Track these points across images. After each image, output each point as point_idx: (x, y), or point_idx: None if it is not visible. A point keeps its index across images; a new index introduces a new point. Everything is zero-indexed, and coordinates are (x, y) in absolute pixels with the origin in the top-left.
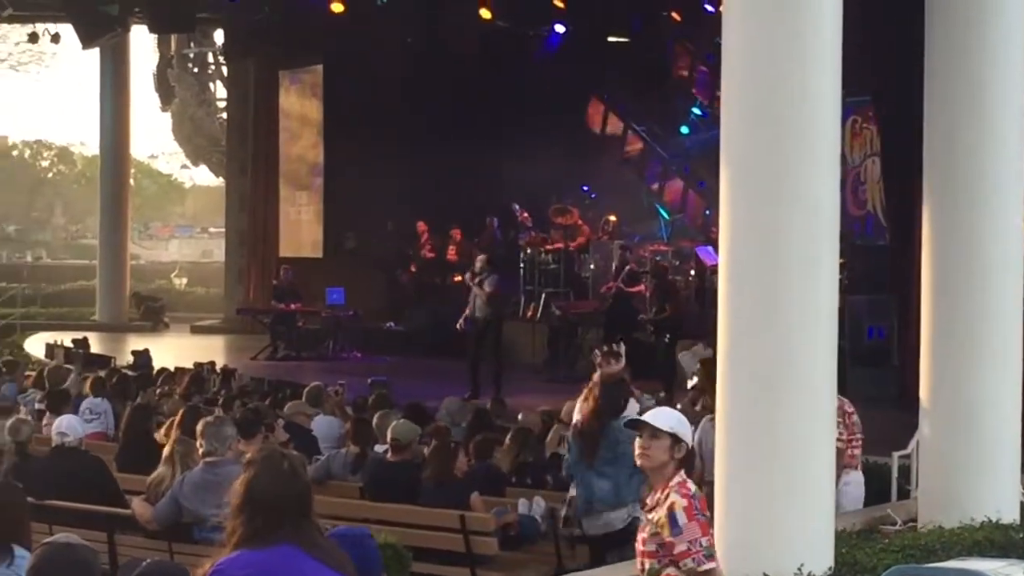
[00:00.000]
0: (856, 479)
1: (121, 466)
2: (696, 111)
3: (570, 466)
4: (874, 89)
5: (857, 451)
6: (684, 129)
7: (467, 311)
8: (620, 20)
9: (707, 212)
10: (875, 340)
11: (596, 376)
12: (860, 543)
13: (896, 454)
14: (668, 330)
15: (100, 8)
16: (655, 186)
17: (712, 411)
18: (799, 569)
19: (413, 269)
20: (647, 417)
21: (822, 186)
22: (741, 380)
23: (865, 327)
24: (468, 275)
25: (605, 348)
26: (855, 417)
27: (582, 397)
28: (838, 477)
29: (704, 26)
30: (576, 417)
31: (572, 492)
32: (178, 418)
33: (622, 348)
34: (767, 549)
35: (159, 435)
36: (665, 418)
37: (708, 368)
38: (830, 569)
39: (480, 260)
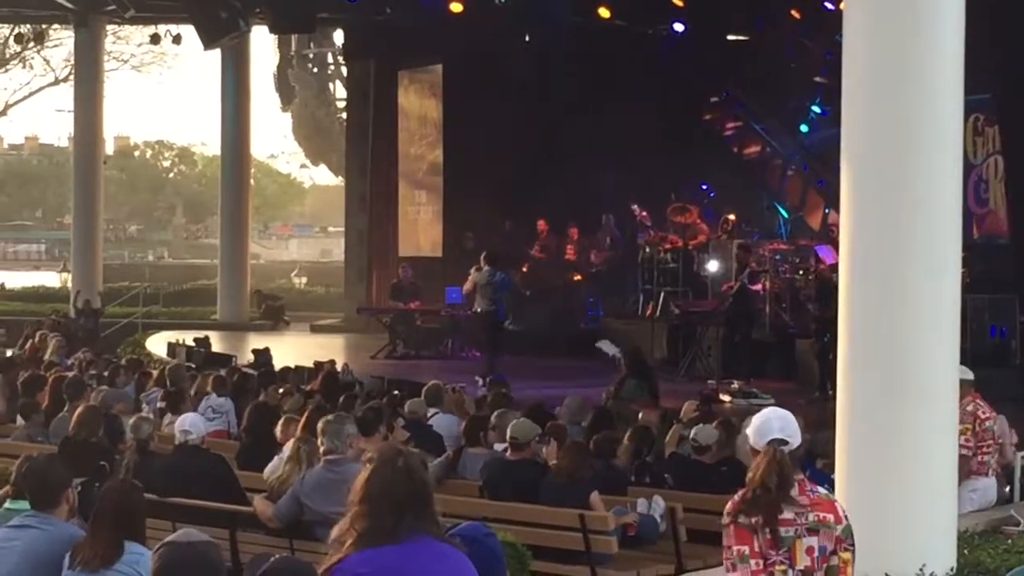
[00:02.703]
0: (985, 485)
1: (243, 464)
2: (816, 109)
3: None
4: (995, 87)
5: (987, 457)
6: (804, 127)
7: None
8: (739, 18)
9: (826, 211)
10: (997, 339)
11: None
12: (983, 544)
13: (1020, 455)
14: (828, 330)
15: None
16: (774, 184)
17: None
18: (921, 570)
19: (525, 269)
20: None
21: (945, 185)
22: (863, 380)
23: (987, 326)
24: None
25: None
26: (988, 423)
27: None
28: (965, 483)
29: (824, 24)
30: None
31: None
32: (304, 417)
33: None
34: (889, 549)
35: (278, 433)
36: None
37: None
38: (952, 570)
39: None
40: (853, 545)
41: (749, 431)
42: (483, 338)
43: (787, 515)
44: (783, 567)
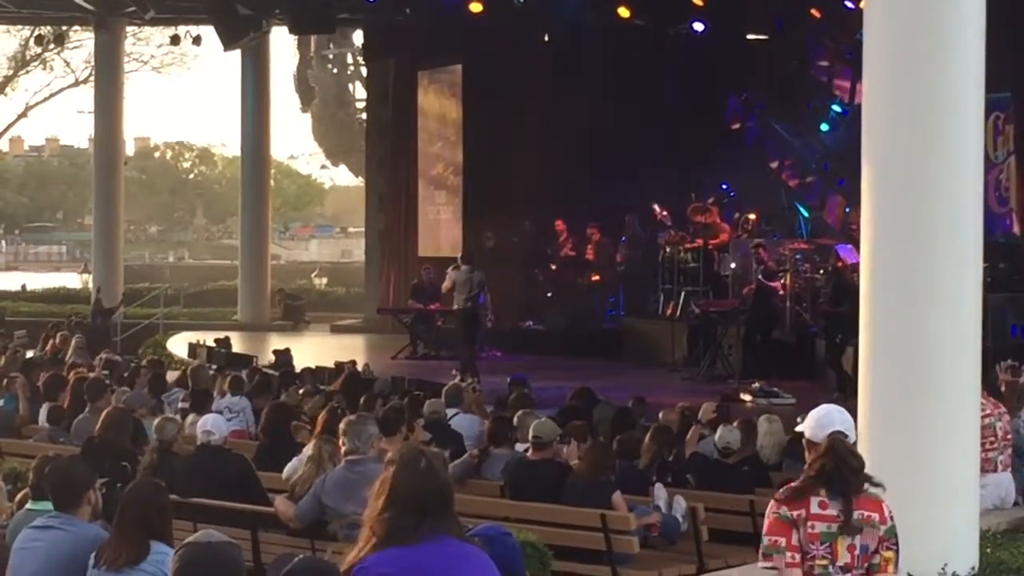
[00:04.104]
0: (995, 481)
1: (260, 464)
2: (836, 108)
3: None
4: (1013, 85)
5: (992, 454)
6: (824, 127)
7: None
8: (759, 18)
9: (847, 210)
10: (1018, 338)
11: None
12: (1005, 543)
13: None
14: (841, 330)
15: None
16: (794, 184)
17: None
18: (943, 569)
19: (553, 268)
20: None
21: (965, 184)
22: (884, 379)
23: (1009, 325)
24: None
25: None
26: (989, 420)
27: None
28: None
29: (844, 23)
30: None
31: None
32: (322, 418)
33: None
34: (910, 548)
35: (301, 436)
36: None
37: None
38: (974, 569)
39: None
40: (897, 545)
41: (807, 425)
42: (460, 334)
43: (831, 511)
44: (824, 562)
